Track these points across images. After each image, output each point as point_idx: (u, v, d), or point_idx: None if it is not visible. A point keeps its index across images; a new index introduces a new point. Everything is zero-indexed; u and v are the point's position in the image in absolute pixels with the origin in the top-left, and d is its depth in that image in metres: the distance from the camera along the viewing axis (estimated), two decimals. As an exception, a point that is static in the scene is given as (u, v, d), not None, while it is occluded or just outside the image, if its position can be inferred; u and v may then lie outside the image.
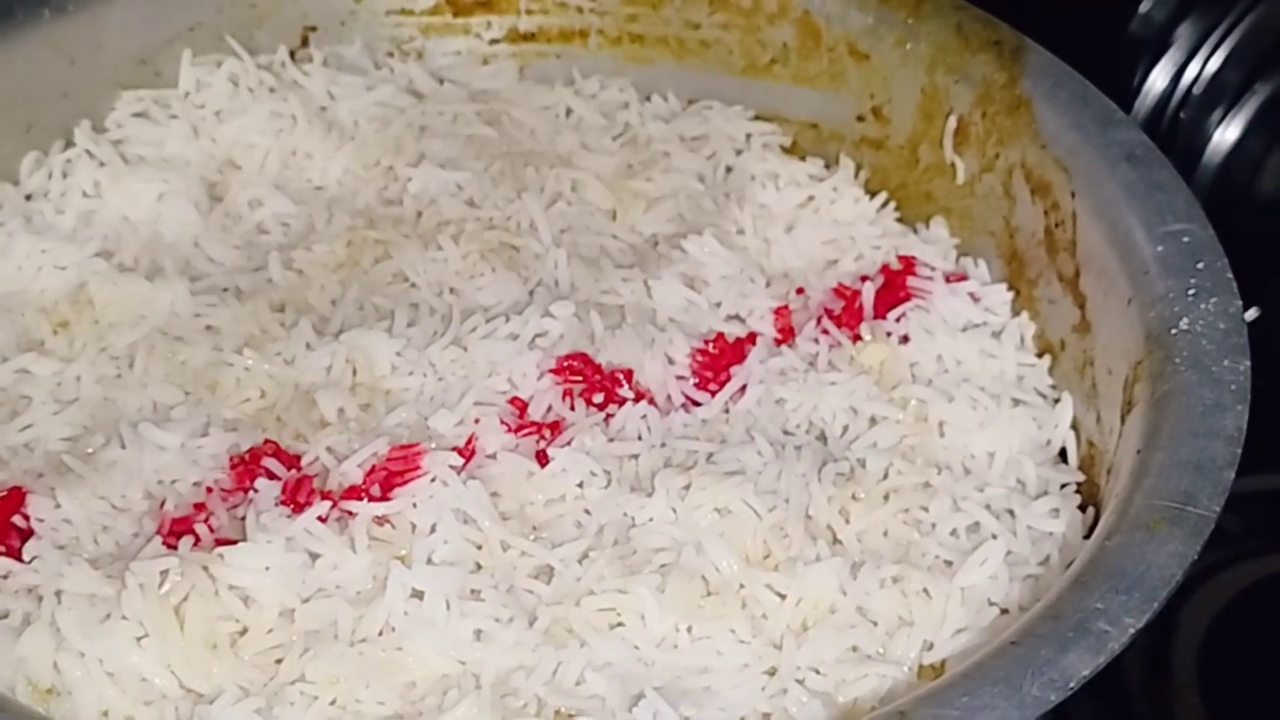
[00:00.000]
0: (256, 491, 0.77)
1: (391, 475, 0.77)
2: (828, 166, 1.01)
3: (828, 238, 0.96)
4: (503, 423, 0.81)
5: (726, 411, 0.84)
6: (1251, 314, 1.01)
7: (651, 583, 0.72)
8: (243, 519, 0.75)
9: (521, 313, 0.86)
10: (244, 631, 0.71)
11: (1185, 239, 0.79)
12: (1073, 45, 0.92)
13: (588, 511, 0.77)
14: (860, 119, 0.99)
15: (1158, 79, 1.14)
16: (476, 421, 0.80)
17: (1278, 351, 0.96)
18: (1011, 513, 0.78)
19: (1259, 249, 1.01)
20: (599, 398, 0.83)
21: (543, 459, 0.79)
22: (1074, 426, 0.84)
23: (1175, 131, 1.13)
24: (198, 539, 0.75)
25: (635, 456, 0.80)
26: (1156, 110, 1.13)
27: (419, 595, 0.71)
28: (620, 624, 0.72)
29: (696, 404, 0.85)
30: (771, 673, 0.71)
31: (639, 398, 0.83)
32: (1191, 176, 1.11)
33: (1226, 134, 1.13)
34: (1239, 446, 0.69)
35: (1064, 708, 0.87)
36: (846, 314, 0.89)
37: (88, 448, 0.79)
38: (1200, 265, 0.78)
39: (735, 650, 0.72)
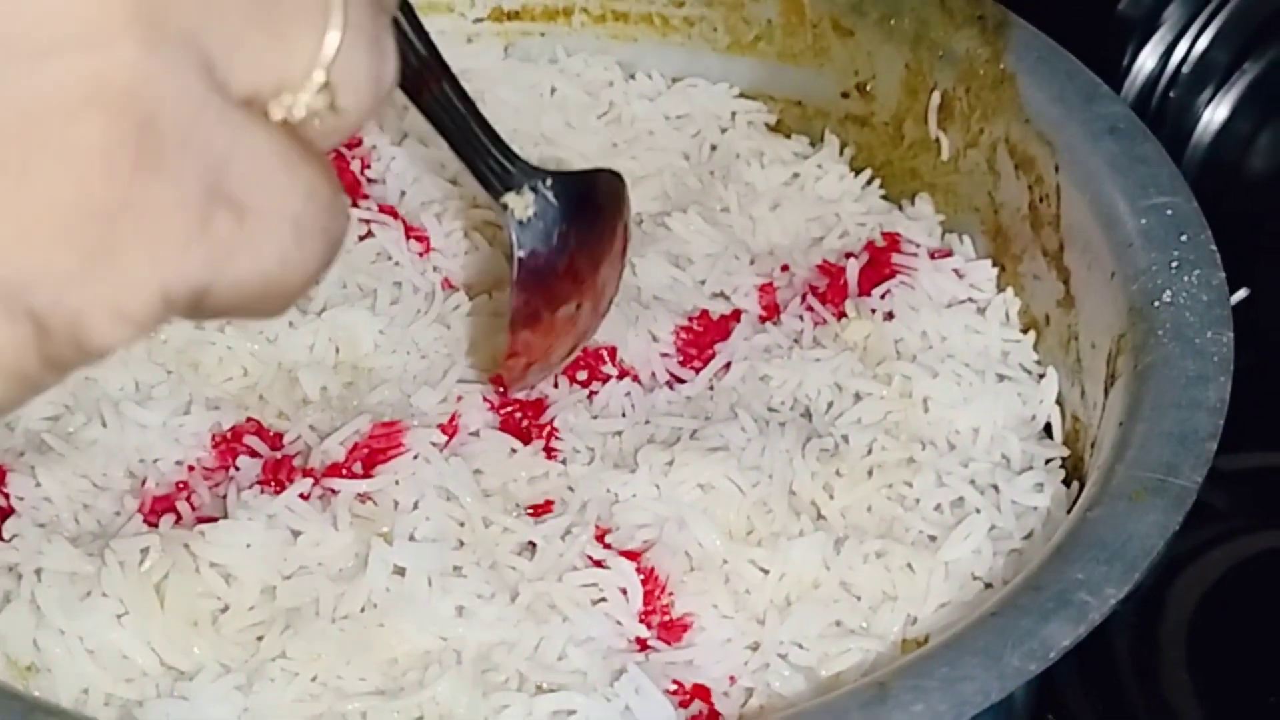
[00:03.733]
0: (238, 469, 0.77)
1: (374, 453, 0.76)
2: (813, 144, 1.01)
3: (813, 215, 0.95)
4: (485, 400, 0.80)
5: (711, 388, 0.84)
6: (1240, 294, 1.01)
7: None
8: (224, 497, 0.75)
9: (505, 290, 0.86)
10: (225, 609, 0.71)
11: (1168, 211, 0.79)
12: (1061, 25, 0.92)
13: (571, 488, 0.77)
14: (845, 95, 0.99)
15: (1147, 59, 1.13)
16: (459, 399, 0.80)
17: (1266, 331, 0.96)
18: (995, 488, 0.78)
19: (1248, 229, 1.00)
20: (582, 375, 0.83)
21: (525, 436, 0.79)
22: (1058, 401, 0.84)
23: (1164, 111, 1.13)
24: (179, 517, 0.75)
25: (619, 433, 0.80)
26: (1146, 90, 1.13)
27: (401, 572, 0.71)
28: (602, 599, 0.72)
29: (681, 381, 0.84)
30: (754, 647, 0.71)
31: (622, 375, 0.83)
32: (1181, 156, 1.10)
33: (1216, 113, 1.12)
34: (1221, 418, 0.69)
35: (1053, 687, 0.87)
36: (831, 291, 0.89)
37: (69, 427, 0.79)
38: (1183, 238, 0.78)
39: (718, 625, 0.72)
